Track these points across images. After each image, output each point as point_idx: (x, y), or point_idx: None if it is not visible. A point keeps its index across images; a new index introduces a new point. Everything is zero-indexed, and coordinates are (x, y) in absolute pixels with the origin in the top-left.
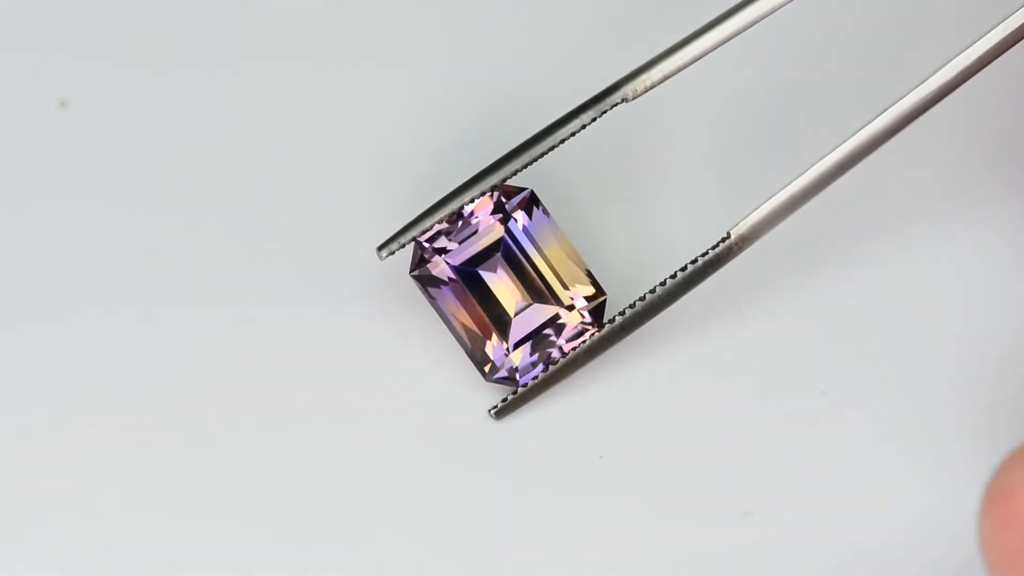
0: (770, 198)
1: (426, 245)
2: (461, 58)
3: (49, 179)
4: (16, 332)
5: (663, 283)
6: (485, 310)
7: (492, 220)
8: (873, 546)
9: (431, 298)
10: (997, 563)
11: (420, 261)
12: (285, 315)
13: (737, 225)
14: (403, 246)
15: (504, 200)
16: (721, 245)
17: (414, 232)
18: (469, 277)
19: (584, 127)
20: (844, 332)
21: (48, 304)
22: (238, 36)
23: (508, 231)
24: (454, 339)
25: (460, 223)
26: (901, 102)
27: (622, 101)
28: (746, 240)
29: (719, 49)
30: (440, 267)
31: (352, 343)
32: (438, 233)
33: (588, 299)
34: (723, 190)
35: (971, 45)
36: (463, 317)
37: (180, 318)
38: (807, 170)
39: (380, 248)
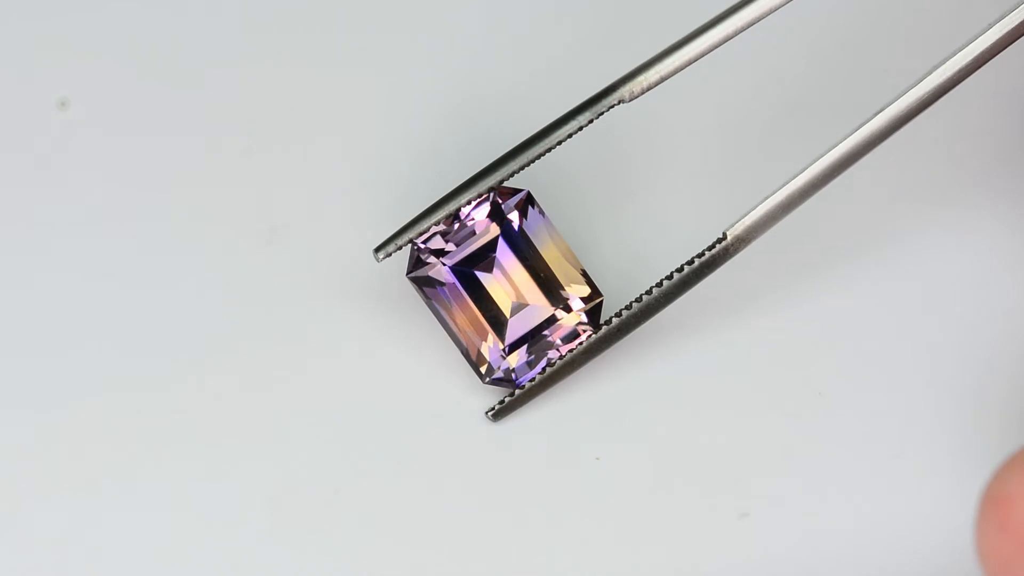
0: (766, 199)
1: (423, 247)
2: (459, 60)
3: (49, 179)
4: (13, 331)
5: (659, 284)
6: (482, 311)
7: (488, 221)
8: (870, 549)
9: (428, 300)
10: (994, 568)
11: (417, 263)
12: (281, 316)
13: (733, 226)
14: (400, 248)
15: (500, 201)
16: (717, 246)
17: (411, 234)
18: (466, 278)
19: (581, 128)
20: (841, 333)
21: (46, 303)
22: (238, 37)
23: (505, 232)
24: (451, 341)
25: (457, 225)
26: (895, 104)
27: (619, 103)
28: (742, 241)
29: (716, 51)
30: (437, 269)
31: (349, 345)
32: (435, 235)
33: (585, 300)
34: (719, 191)
35: (965, 46)
36: (460, 319)
37: (176, 319)
38: (803, 171)
39: (377, 250)
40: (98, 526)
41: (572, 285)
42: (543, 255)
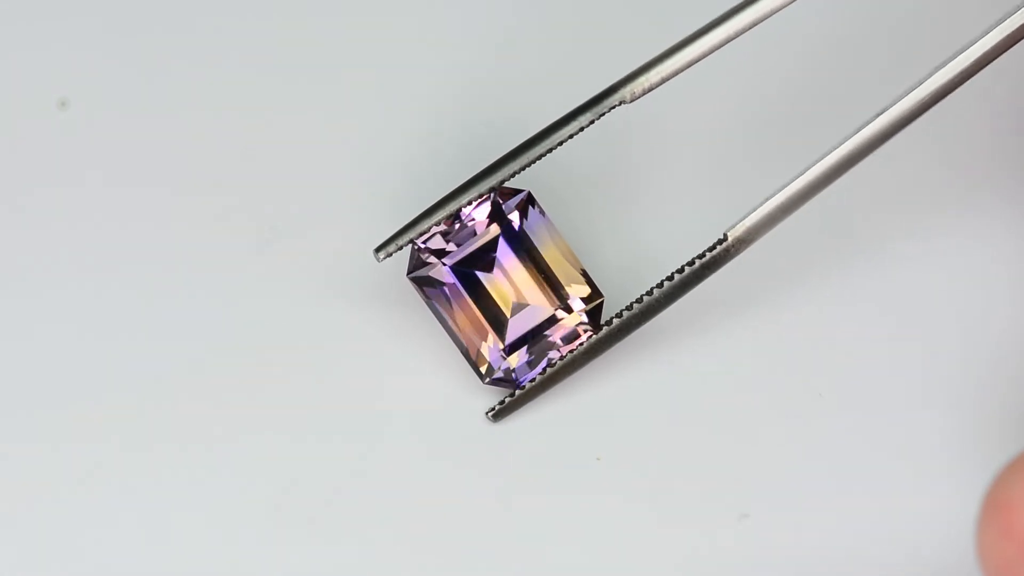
0: (766, 200)
1: (423, 247)
2: (460, 60)
3: (49, 179)
4: (15, 330)
5: (660, 285)
6: (482, 311)
7: (489, 221)
8: (870, 552)
9: (428, 299)
10: (995, 572)
11: (417, 263)
12: (282, 316)
13: (734, 227)
14: (401, 248)
15: (501, 201)
16: (718, 247)
17: (412, 234)
18: (466, 278)
19: (582, 129)
20: (841, 335)
21: (47, 302)
22: (238, 37)
23: (505, 232)
24: (451, 341)
25: (457, 225)
26: (896, 106)
27: (620, 103)
28: (743, 242)
29: (717, 52)
30: (437, 269)
31: (349, 345)
32: (435, 235)
33: (585, 300)
34: (720, 192)
35: (967, 48)
36: (460, 319)
37: (176, 319)
38: (803, 173)
39: (378, 250)
40: (98, 526)
41: (572, 285)
42: (543, 255)
